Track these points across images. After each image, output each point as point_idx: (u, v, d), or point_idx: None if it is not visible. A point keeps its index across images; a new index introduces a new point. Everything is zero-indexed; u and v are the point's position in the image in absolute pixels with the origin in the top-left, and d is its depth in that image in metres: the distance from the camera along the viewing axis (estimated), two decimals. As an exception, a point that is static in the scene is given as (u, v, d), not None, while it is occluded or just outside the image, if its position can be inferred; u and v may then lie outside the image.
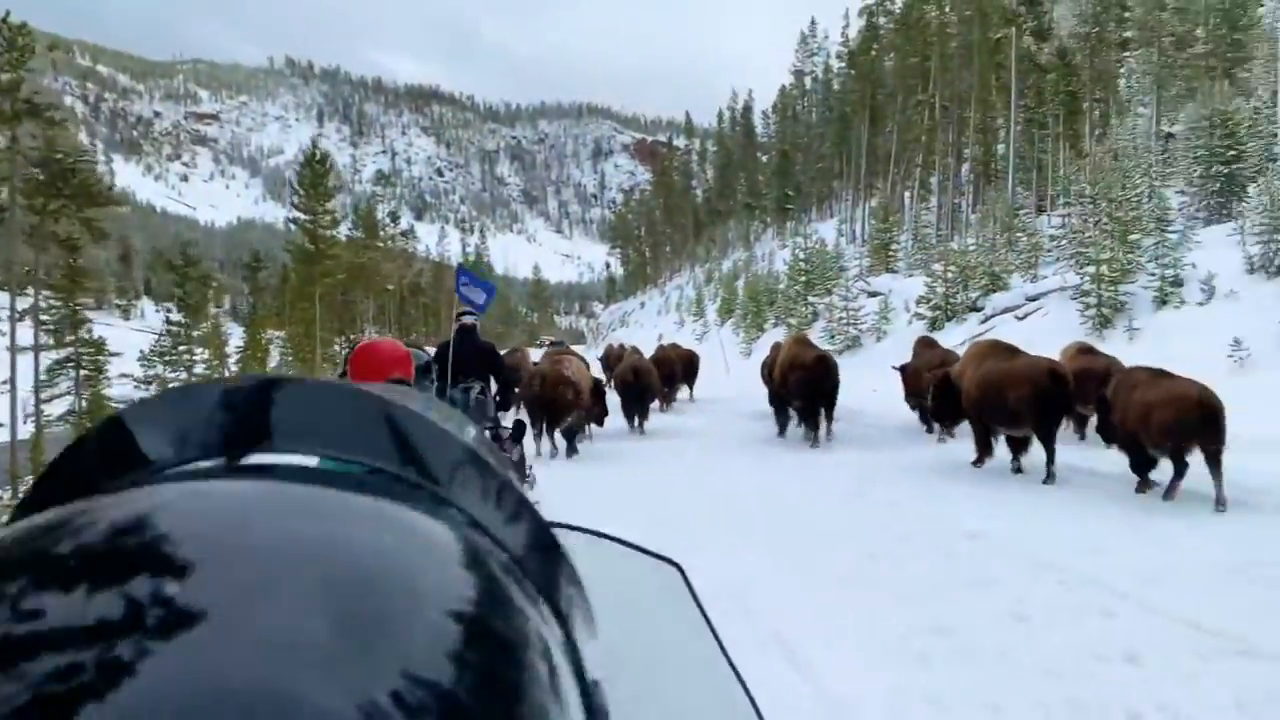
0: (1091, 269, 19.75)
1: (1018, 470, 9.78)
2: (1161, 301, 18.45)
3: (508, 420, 8.05)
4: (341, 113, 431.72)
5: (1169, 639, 4.46)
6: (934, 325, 25.71)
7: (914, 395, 13.77)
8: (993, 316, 23.11)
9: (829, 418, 13.02)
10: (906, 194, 47.21)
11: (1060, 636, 4.56)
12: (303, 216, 38.27)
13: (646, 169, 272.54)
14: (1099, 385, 9.63)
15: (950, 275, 25.81)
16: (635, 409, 15.08)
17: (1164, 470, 8.22)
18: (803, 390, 12.92)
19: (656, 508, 8.11)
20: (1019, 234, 28.15)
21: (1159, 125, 33.74)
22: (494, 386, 8.64)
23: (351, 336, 43.13)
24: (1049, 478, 9.09)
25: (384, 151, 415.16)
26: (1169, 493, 7.98)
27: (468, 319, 8.82)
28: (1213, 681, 3.94)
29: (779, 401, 14.01)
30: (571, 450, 12.54)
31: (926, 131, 44.27)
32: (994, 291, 24.81)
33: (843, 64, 65.36)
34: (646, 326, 72.66)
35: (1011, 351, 10.72)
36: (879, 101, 54.06)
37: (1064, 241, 26.17)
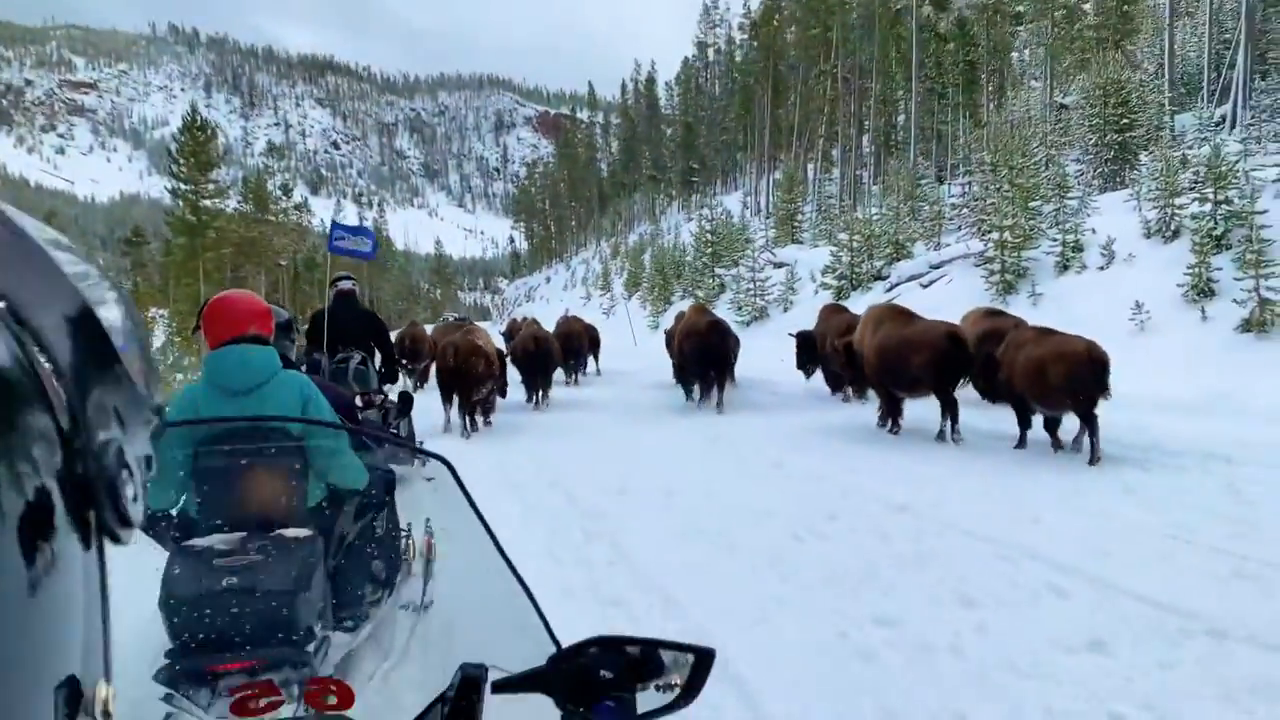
0: (995, 235, 19.77)
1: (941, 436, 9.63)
2: (1063, 266, 18.56)
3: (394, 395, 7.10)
4: (231, 83, 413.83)
5: (1132, 621, 4.03)
6: (840, 295, 25.57)
7: (814, 362, 14.25)
8: (898, 285, 23.06)
9: (721, 384, 13.05)
10: (810, 166, 47.30)
11: (1015, 623, 4.08)
12: (183, 186, 36.02)
13: (550, 142, 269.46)
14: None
15: (855, 244, 25.70)
16: (537, 380, 14.56)
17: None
18: (697, 356, 13.10)
19: (567, 483, 7.49)
20: (921, 203, 28.28)
21: (1053, 96, 34.40)
22: (378, 358, 8.01)
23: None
24: (955, 436, 9.24)
25: (277, 124, 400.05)
26: (1075, 446, 8.32)
27: (345, 284, 8.33)
28: (1191, 670, 3.49)
29: (681, 370, 14.13)
30: (485, 423, 12.03)
31: (829, 103, 44.37)
32: (899, 260, 24.79)
33: (745, 35, 65.17)
34: (553, 301, 71.58)
35: (907, 316, 10.76)
36: (781, 73, 54.04)
37: (965, 210, 26.39)
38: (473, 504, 1.37)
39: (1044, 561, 4.88)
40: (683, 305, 37.98)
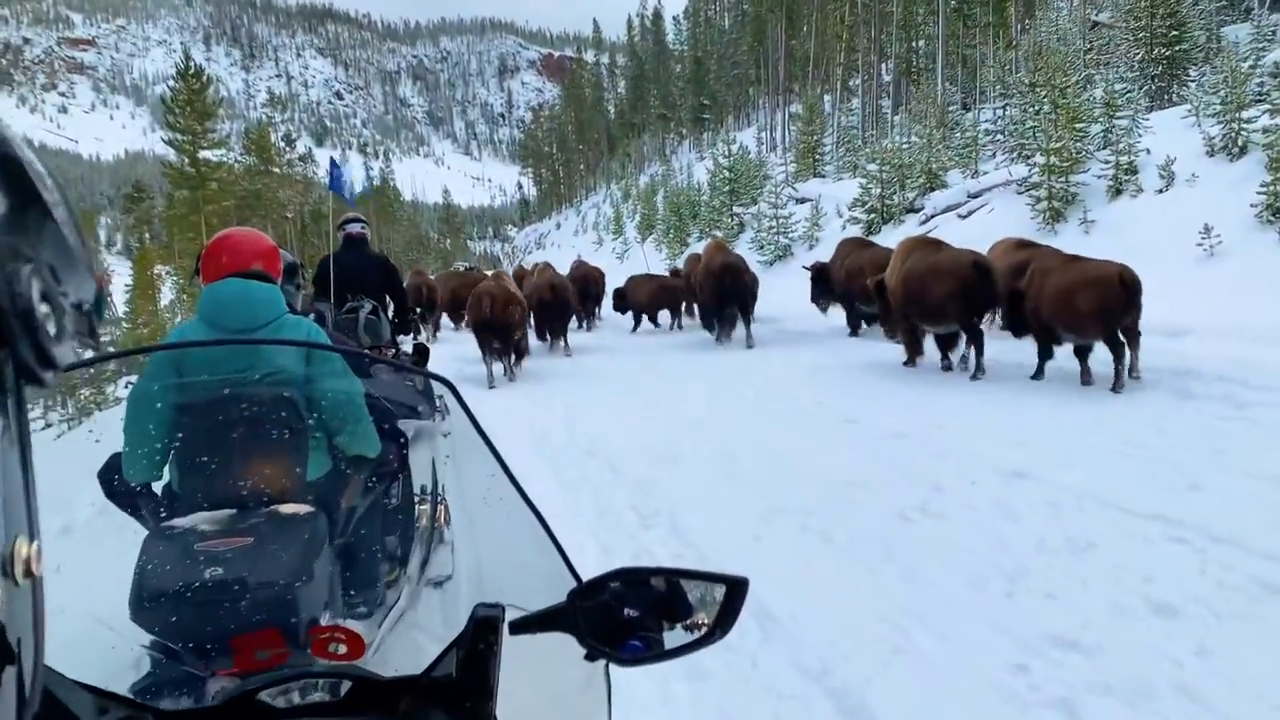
0: (1040, 160, 18.45)
1: (948, 369, 9.69)
2: (1116, 191, 17.27)
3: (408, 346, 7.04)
4: (230, 35, 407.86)
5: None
6: (870, 229, 24.32)
7: (829, 296, 14.34)
8: (934, 216, 21.75)
9: (747, 320, 13.42)
10: (827, 98, 45.48)
11: (1246, 642, 3.06)
12: (180, 137, 34.79)
13: (555, 85, 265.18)
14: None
15: (885, 175, 24.30)
16: (555, 327, 14.62)
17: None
18: (716, 295, 13.38)
19: (606, 449, 6.52)
20: (953, 130, 26.78)
21: (1086, 13, 32.57)
22: (391, 307, 7.44)
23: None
24: (978, 373, 9.04)
25: (279, 75, 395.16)
26: (1117, 384, 7.84)
27: (354, 227, 7.58)
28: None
29: (701, 309, 14.48)
30: (516, 367, 12.07)
31: (847, 30, 42.38)
32: (933, 190, 23.44)
33: (754, -36, 62.75)
34: (564, 248, 70.42)
35: (936, 246, 10.49)
36: (795, 1, 51.84)
37: (1000, 136, 24.92)
38: (480, 430, 1.28)
39: (1236, 546, 3.83)
40: (699, 246, 36.88)
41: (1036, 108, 20.62)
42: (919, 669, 3.15)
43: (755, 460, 6.01)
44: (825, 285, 14.30)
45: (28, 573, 0.35)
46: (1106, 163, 17.52)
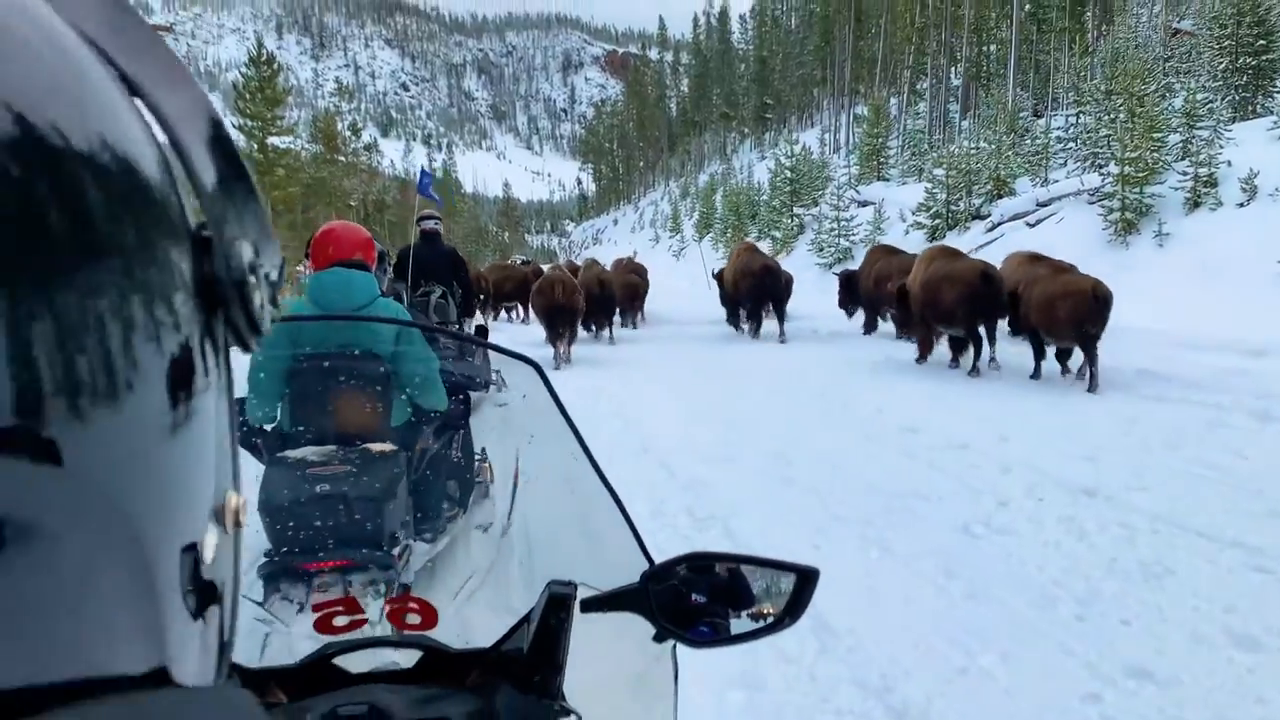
0: (1114, 170, 17.93)
1: (954, 367, 10.37)
2: (1194, 203, 16.71)
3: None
4: (301, 24, 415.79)
5: None
6: (934, 234, 23.90)
7: (855, 302, 15.17)
8: (1001, 224, 21.27)
9: (781, 316, 14.55)
10: (893, 100, 44.83)
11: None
12: (250, 123, 35.44)
13: (618, 82, 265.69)
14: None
15: (951, 180, 23.85)
16: (600, 319, 15.34)
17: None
18: (755, 294, 14.46)
19: (660, 447, 6.45)
20: (1023, 136, 26.17)
21: (1167, 19, 31.63)
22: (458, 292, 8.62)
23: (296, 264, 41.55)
24: (973, 370, 9.95)
25: (347, 65, 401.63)
26: (1080, 375, 9.00)
27: (429, 224, 8.81)
28: None
29: (735, 306, 15.40)
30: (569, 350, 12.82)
31: (917, 31, 41.66)
32: (1000, 197, 22.95)
33: (825, -36, 62.08)
34: (621, 244, 70.49)
35: (954, 255, 11.32)
36: (864, 1, 51.17)
37: (1072, 143, 24.29)
38: (562, 409, 1.30)
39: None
40: (758, 245, 36.63)
41: (1112, 116, 20.05)
42: (984, 691, 3.01)
43: (812, 465, 5.87)
44: (853, 291, 15.14)
45: (236, 522, 0.38)
46: (1185, 174, 16.97)
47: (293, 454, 2.59)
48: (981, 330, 10.09)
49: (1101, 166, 19.23)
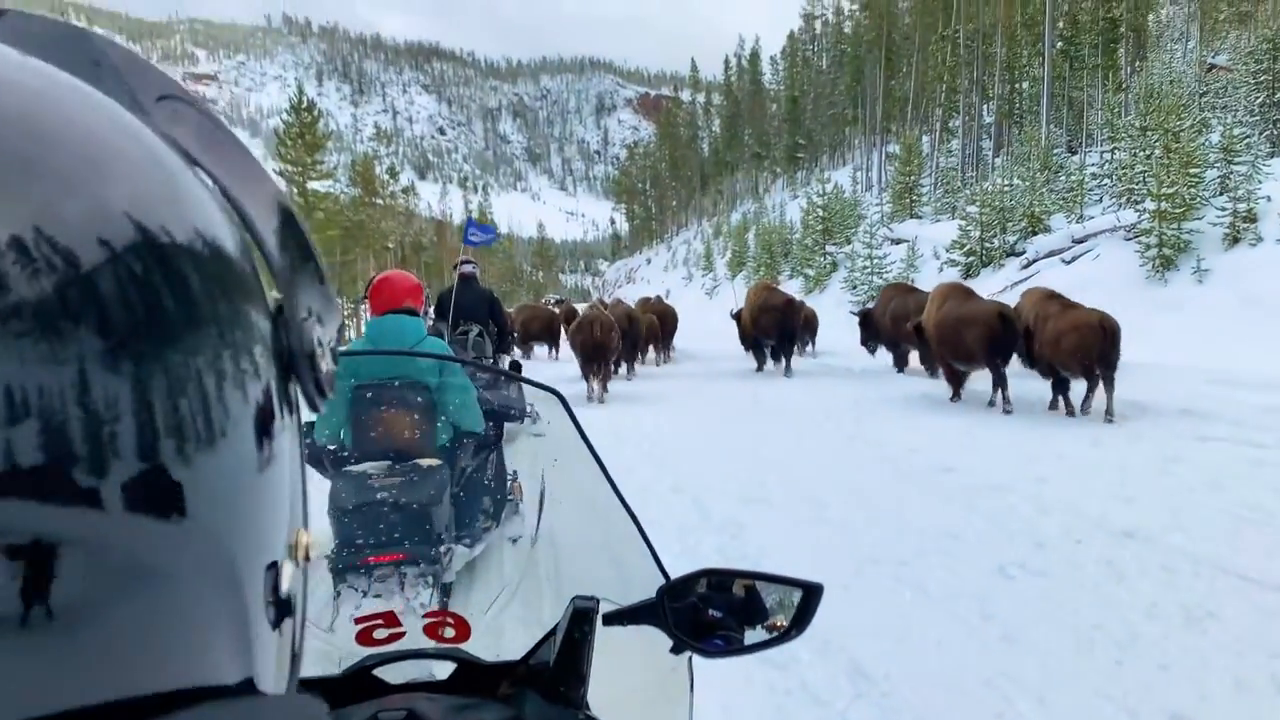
0: (1150, 205, 17.80)
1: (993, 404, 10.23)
2: (1233, 239, 16.53)
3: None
4: (341, 71, 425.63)
5: None
6: (968, 272, 23.81)
7: (876, 339, 15.25)
8: (1036, 261, 21.15)
9: (788, 354, 14.93)
10: (925, 138, 44.88)
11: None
12: (291, 168, 36.22)
13: (650, 124, 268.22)
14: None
15: (985, 218, 23.78)
16: (628, 355, 15.74)
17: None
18: (778, 329, 14.77)
19: (693, 486, 6.44)
20: (1057, 173, 26.03)
21: (1202, 55, 31.46)
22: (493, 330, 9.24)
23: (351, 300, 42.47)
24: (1007, 405, 9.96)
25: (385, 110, 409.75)
26: (1084, 407, 9.33)
27: (466, 268, 9.34)
28: None
29: (751, 340, 15.80)
30: (604, 391, 13.09)
31: (949, 70, 41.77)
32: (1034, 234, 22.83)
33: (855, 5, 62.55)
34: (654, 282, 70.73)
35: (967, 294, 11.53)
36: (895, 41, 51.48)
37: (1106, 180, 24.15)
38: (584, 435, 1.40)
39: None
40: (790, 285, 36.64)
41: (1147, 152, 19.92)
42: (1021, 737, 2.97)
43: (846, 505, 5.84)
44: (871, 329, 15.24)
45: (306, 556, 0.42)
46: (1223, 210, 16.80)
47: (355, 468, 2.99)
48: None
49: (1138, 203, 19.06)
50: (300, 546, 0.41)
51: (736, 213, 72.52)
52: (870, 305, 16.86)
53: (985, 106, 40.34)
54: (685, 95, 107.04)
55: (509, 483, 3.65)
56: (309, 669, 1.57)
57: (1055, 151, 29.36)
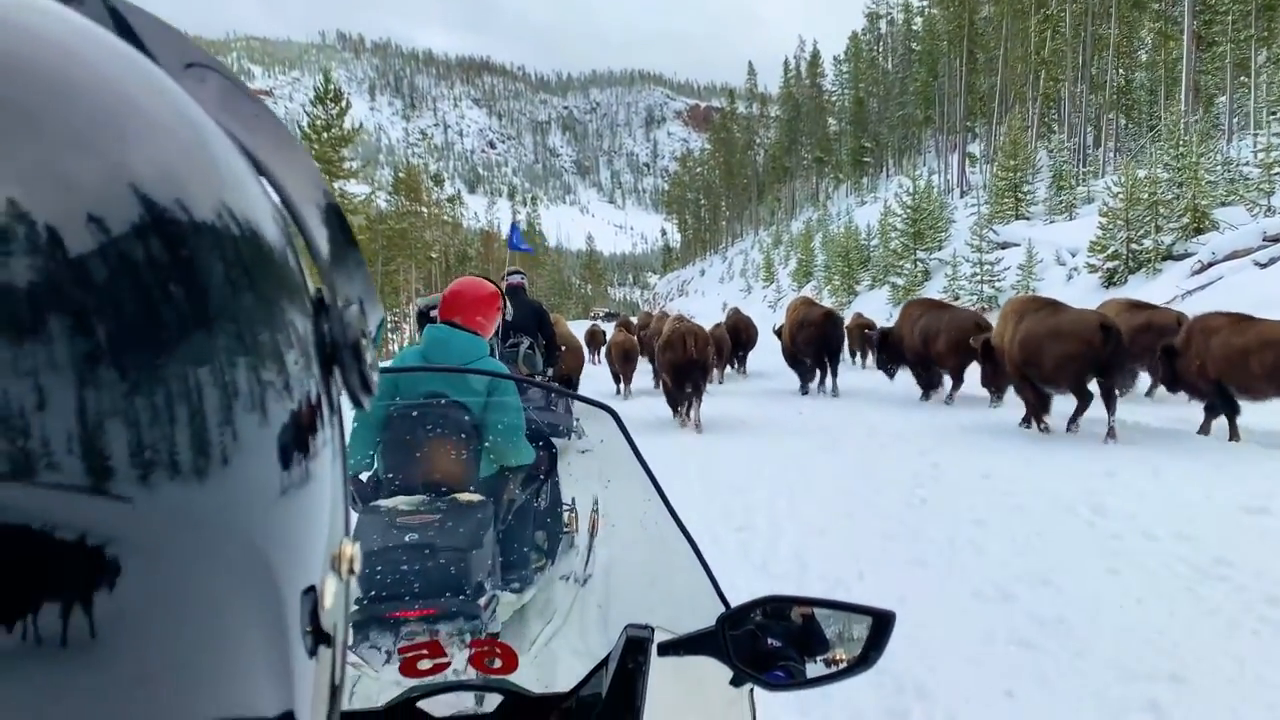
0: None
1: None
2: None
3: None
4: (393, 86, 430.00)
5: None
6: (1111, 279, 19.66)
7: (896, 361, 13.84)
8: (1213, 264, 16.94)
9: (834, 371, 14.20)
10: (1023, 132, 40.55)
11: None
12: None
13: (700, 135, 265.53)
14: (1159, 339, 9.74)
15: (1132, 215, 19.58)
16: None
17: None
18: (814, 344, 14.11)
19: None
20: (1214, 161, 21.66)
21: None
22: (541, 342, 8.78)
23: (394, 311, 40.61)
24: (1111, 434, 8.68)
25: (436, 124, 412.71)
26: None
27: (515, 278, 9.17)
28: None
29: (793, 359, 14.88)
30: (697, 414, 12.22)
31: (1050, 56, 37.28)
32: (1200, 231, 18.60)
33: (924, 1, 58.34)
34: (709, 295, 67.32)
35: (1053, 306, 10.23)
36: (978, 29, 47.10)
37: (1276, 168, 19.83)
38: (639, 456, 1.35)
39: None
40: (871, 296, 32.62)
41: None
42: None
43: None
44: (893, 350, 13.87)
45: (350, 569, 0.39)
46: None
47: (384, 503, 2.64)
48: (1096, 389, 9.01)
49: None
50: (344, 559, 0.38)
51: (798, 220, 68.78)
52: (886, 326, 15.32)
53: (1096, 94, 35.90)
54: (740, 104, 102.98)
55: (565, 512, 3.23)
56: (348, 701, 1.49)
57: (1213, 133, 24.85)
